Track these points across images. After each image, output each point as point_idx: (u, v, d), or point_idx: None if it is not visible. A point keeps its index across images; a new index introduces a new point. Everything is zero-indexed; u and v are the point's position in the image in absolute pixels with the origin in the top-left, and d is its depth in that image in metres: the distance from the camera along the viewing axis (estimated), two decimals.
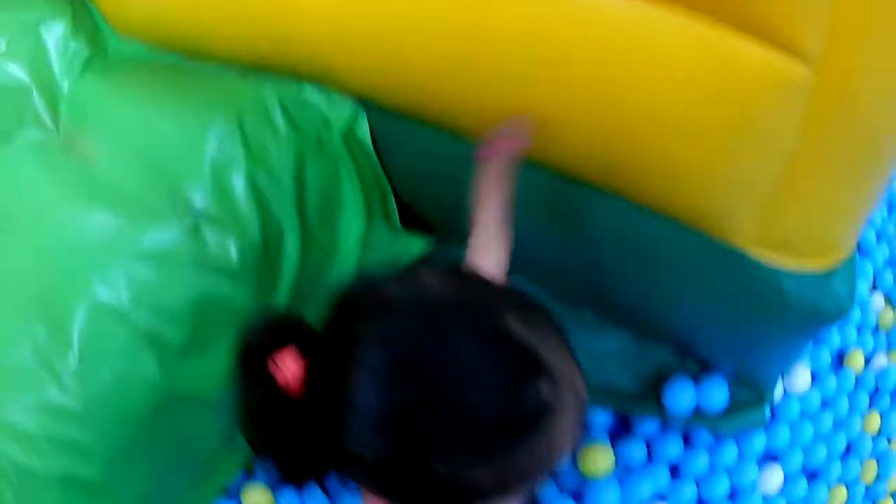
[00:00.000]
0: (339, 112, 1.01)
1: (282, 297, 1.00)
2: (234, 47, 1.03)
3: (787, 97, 0.74)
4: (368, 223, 1.09)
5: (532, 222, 0.96)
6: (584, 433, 0.40)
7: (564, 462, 0.50)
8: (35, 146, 0.95)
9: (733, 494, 1.19)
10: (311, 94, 1.00)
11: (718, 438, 1.19)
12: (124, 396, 0.91)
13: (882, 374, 1.41)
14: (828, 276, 0.93)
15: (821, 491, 1.27)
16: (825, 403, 1.32)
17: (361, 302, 0.50)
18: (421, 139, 0.98)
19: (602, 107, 0.81)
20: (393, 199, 1.07)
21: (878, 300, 1.47)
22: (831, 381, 1.33)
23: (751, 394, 1.16)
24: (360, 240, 1.07)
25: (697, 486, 1.16)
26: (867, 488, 1.33)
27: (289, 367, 0.48)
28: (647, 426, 1.17)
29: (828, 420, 1.31)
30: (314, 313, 0.56)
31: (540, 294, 1.10)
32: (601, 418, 1.15)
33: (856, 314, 1.42)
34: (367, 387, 0.46)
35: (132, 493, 0.94)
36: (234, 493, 1.10)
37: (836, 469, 1.29)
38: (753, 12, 0.70)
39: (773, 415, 1.26)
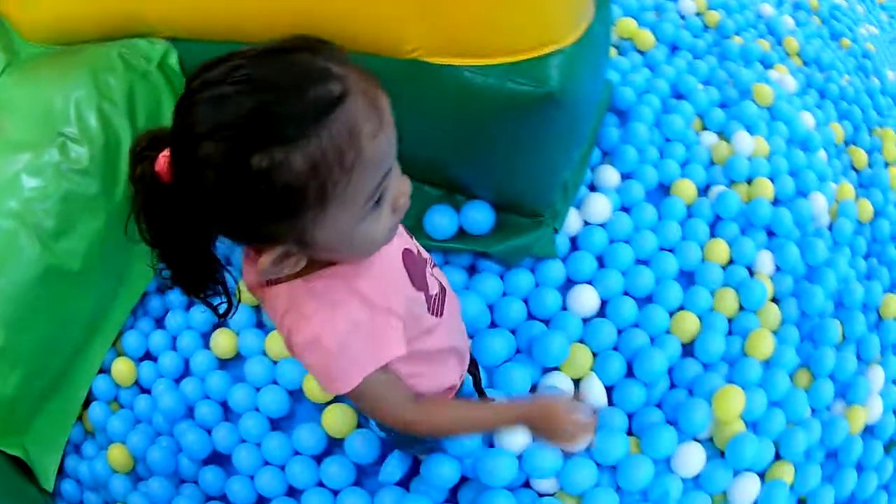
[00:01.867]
0: (156, 50, 1.37)
1: (119, 185, 1.33)
2: (97, 30, 1.41)
3: None
4: None
5: None
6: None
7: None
8: None
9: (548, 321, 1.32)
10: (138, 43, 1.37)
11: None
12: (15, 274, 1.25)
13: (721, 201, 1.50)
14: (522, 65, 1.08)
15: (657, 313, 1.34)
16: (639, 229, 1.44)
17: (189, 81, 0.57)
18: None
19: None
20: None
21: (708, 137, 1.60)
22: (647, 211, 1.46)
23: (525, 219, 1.31)
24: None
25: (490, 310, 1.31)
26: (730, 320, 1.39)
27: (160, 163, 0.58)
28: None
29: (649, 244, 1.42)
30: None
31: None
32: None
33: (679, 151, 1.55)
34: (201, 112, 0.54)
35: (29, 350, 1.26)
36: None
37: (674, 293, 1.37)
38: None
39: (573, 245, 1.41)
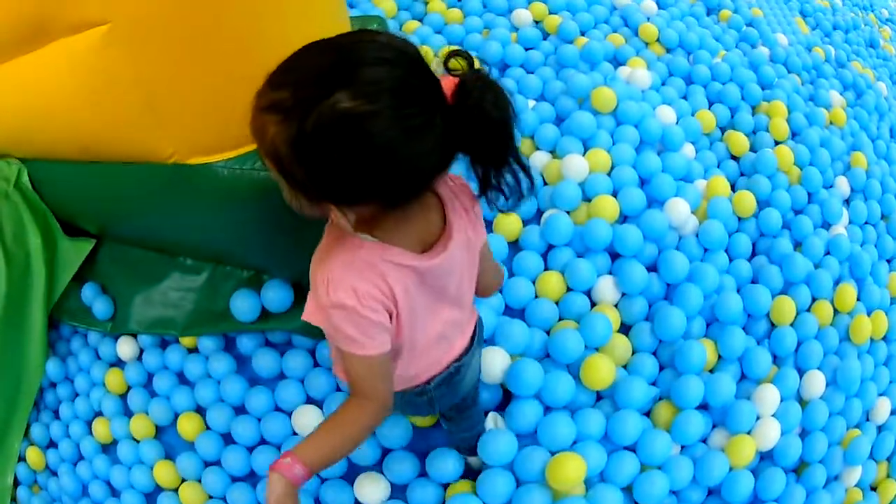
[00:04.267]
0: (11, 169, 1.48)
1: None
2: None
3: None
4: (51, 241, 1.53)
5: (112, 209, 1.41)
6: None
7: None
8: None
9: None
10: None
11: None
12: None
13: (550, 226, 1.38)
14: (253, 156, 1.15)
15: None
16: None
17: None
18: (51, 171, 1.40)
19: None
20: (55, 220, 1.52)
21: (540, 158, 1.48)
22: None
23: None
24: (44, 251, 1.52)
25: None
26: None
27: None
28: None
29: None
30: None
31: (148, 254, 1.49)
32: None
33: None
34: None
35: None
36: None
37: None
38: None
39: None
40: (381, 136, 0.61)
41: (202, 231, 1.32)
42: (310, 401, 1.32)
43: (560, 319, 1.31)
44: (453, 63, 0.67)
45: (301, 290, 1.34)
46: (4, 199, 1.46)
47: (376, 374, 0.78)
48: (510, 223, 1.39)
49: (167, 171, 1.18)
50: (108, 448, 1.49)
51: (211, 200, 1.20)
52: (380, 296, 0.73)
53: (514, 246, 1.39)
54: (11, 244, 1.49)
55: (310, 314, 0.79)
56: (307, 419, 1.29)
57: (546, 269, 1.36)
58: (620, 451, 1.19)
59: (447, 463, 1.19)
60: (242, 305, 1.33)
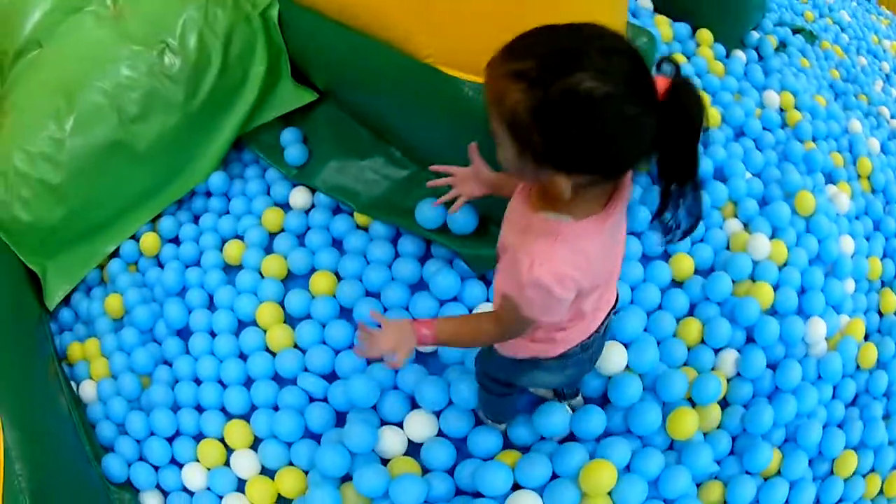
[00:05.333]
0: (263, 1, 1.62)
1: (199, 98, 1.60)
2: None
3: None
4: (275, 75, 1.66)
5: (356, 80, 1.48)
6: None
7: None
8: (94, 13, 1.69)
9: None
10: None
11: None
12: (91, 136, 1.58)
13: (711, 283, 1.48)
14: None
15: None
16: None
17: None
18: (309, 21, 1.51)
19: None
20: (287, 61, 1.64)
21: (733, 225, 1.60)
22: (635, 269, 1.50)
23: None
24: (263, 80, 1.66)
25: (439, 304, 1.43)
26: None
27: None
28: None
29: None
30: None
31: (362, 130, 1.59)
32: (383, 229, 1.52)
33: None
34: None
35: (79, 196, 1.58)
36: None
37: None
38: None
39: None
40: (616, 115, 0.67)
41: (426, 134, 1.42)
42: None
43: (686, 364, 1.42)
44: (664, 67, 0.74)
45: (484, 222, 1.43)
46: (244, 21, 1.61)
47: (525, 325, 0.89)
48: (683, 262, 1.51)
49: (419, 67, 1.27)
50: (230, 269, 1.57)
51: (446, 111, 1.29)
52: (579, 277, 0.79)
53: (678, 286, 1.50)
54: (233, 61, 1.62)
55: (504, 282, 0.84)
56: None
57: (691, 314, 1.48)
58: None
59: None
60: (429, 213, 1.43)
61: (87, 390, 1.54)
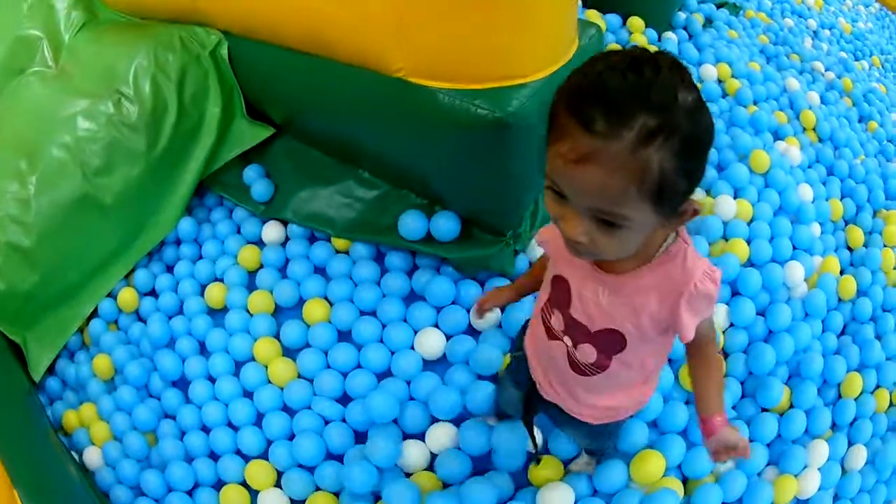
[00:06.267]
0: (210, 39, 1.62)
1: (160, 145, 1.58)
2: (166, 11, 1.70)
3: None
4: (230, 114, 1.66)
5: (318, 106, 1.48)
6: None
7: None
8: (38, 73, 1.66)
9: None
10: (197, 30, 1.63)
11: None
12: (56, 195, 1.53)
13: None
14: (487, 92, 1.22)
15: None
16: None
17: None
18: (262, 55, 1.53)
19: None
20: (241, 98, 1.64)
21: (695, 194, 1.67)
22: None
23: (487, 235, 1.43)
24: (219, 120, 1.65)
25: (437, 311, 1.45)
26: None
27: None
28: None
29: None
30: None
31: (325, 158, 1.59)
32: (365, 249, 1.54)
33: None
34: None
35: (51, 259, 1.53)
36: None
37: None
38: None
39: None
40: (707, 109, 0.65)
41: (401, 148, 1.42)
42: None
43: None
44: None
45: (467, 226, 1.45)
46: (195, 62, 1.60)
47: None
48: None
49: (390, 83, 1.27)
50: (216, 313, 1.55)
51: (422, 123, 1.30)
52: None
53: None
54: (188, 103, 1.61)
55: (696, 316, 0.77)
56: (431, 340, 1.39)
57: None
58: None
59: None
60: (412, 224, 1.45)
61: (92, 457, 1.48)
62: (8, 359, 1.52)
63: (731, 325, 1.52)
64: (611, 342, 0.83)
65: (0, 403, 1.31)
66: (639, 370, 0.88)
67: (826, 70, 2.26)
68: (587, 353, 0.85)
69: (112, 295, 1.65)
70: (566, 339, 0.86)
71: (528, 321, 1.03)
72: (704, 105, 0.64)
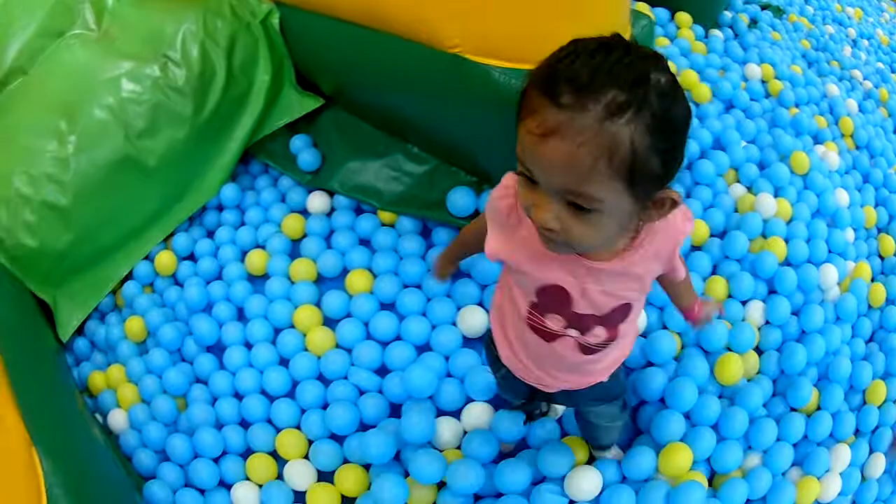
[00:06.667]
0: (261, 8, 1.63)
1: (207, 110, 1.57)
2: None
3: None
4: (279, 83, 1.65)
5: (369, 79, 1.48)
6: None
7: None
8: (79, 36, 1.64)
9: None
10: None
11: None
12: (97, 155, 1.52)
13: (729, 242, 1.55)
14: (521, 73, 1.22)
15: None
16: None
17: None
18: (314, 25, 1.52)
19: None
20: (292, 68, 1.63)
21: (737, 189, 1.68)
22: None
23: None
24: (268, 89, 1.64)
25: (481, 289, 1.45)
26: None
27: None
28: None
29: None
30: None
31: (375, 131, 1.60)
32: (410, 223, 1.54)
33: (706, 195, 1.63)
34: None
35: (87, 219, 1.52)
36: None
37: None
38: None
39: None
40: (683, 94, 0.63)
41: (452, 125, 1.43)
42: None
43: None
44: None
45: None
46: (245, 30, 1.60)
47: None
48: (699, 228, 1.60)
49: (445, 58, 1.27)
50: (256, 279, 1.55)
51: (474, 100, 1.30)
52: None
53: (698, 250, 1.56)
54: (237, 70, 1.61)
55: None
56: (474, 317, 1.39)
57: (714, 273, 1.54)
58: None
59: None
60: (460, 201, 1.46)
61: (117, 419, 1.47)
62: (37, 317, 1.51)
63: (767, 322, 1.52)
64: (619, 314, 0.84)
65: (26, 362, 1.30)
66: (636, 318, 0.90)
67: (864, 79, 2.27)
68: (598, 334, 0.85)
69: (149, 258, 1.64)
70: (571, 331, 0.85)
71: (490, 338, 1.00)
72: (680, 90, 0.62)
